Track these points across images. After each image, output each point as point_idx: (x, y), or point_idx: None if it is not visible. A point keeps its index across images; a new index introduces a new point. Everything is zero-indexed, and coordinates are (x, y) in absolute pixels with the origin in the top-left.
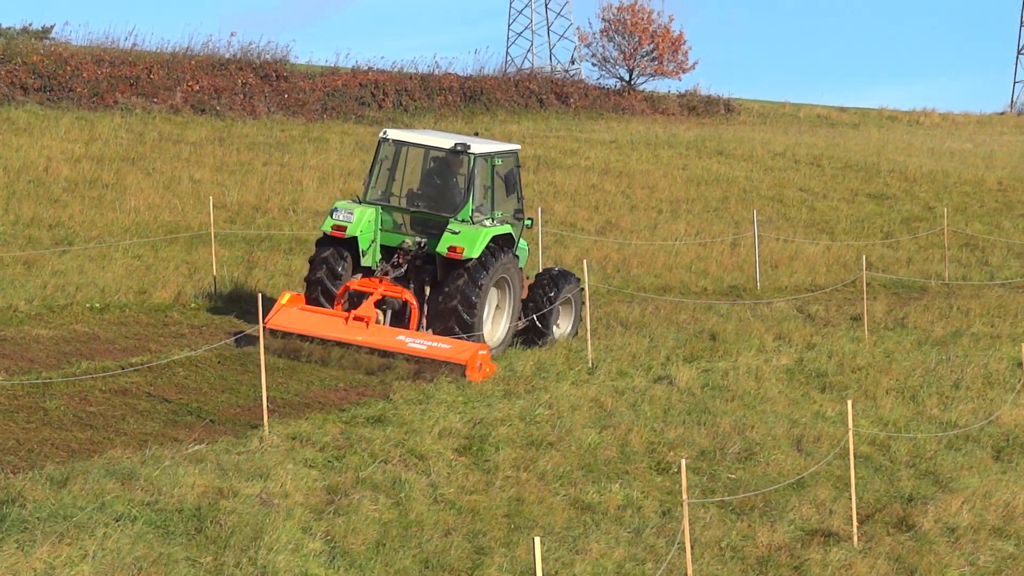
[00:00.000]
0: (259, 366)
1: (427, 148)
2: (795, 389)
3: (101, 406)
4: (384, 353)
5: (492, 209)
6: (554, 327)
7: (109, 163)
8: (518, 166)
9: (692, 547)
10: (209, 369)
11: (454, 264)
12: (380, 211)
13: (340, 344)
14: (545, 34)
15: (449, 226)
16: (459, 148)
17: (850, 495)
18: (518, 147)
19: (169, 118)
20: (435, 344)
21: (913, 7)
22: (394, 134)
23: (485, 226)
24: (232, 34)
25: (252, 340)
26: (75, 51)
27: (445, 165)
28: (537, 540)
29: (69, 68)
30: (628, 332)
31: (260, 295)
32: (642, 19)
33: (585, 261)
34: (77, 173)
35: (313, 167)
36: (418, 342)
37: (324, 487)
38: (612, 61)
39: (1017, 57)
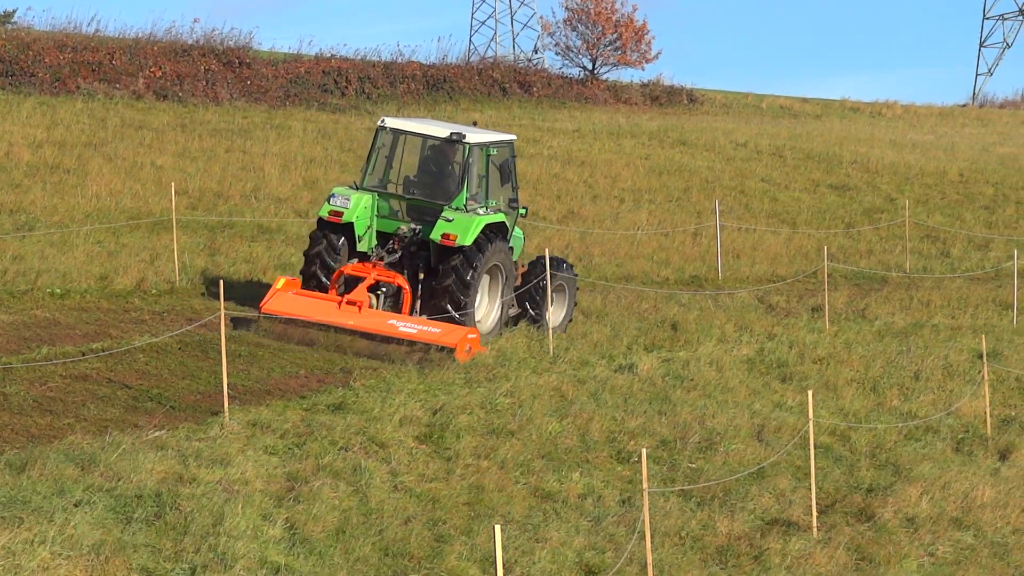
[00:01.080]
0: (220, 352)
1: (423, 137)
2: (756, 379)
3: (61, 392)
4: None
5: (487, 198)
6: (547, 314)
7: (71, 148)
8: (513, 156)
9: (652, 536)
10: (170, 355)
11: (448, 251)
12: (377, 198)
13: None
14: (508, 23)
15: (443, 214)
16: (455, 137)
17: (810, 485)
18: (514, 137)
19: (131, 104)
20: (425, 328)
21: None
22: (392, 122)
23: (479, 214)
24: (195, 20)
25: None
26: (37, 36)
27: (441, 154)
28: (497, 528)
29: (31, 53)
30: (589, 321)
31: (222, 281)
32: (605, 8)
33: (547, 250)
34: (38, 158)
35: (275, 154)
36: (409, 326)
37: (284, 474)
38: (575, 50)
39: (980, 49)
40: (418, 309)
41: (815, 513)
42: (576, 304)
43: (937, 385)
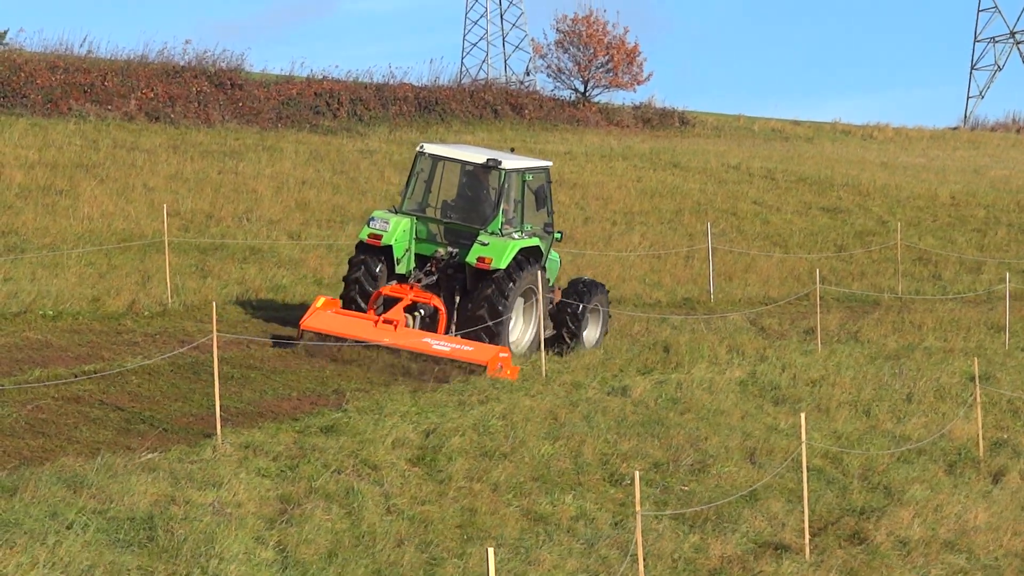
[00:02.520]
0: (212, 375)
1: (461, 162)
2: (748, 401)
3: (53, 414)
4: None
5: (522, 222)
6: (584, 333)
7: (63, 170)
8: (549, 182)
9: (645, 559)
10: (162, 377)
11: (483, 274)
12: (415, 221)
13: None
14: (500, 45)
15: (479, 238)
16: (491, 163)
17: (803, 508)
18: (550, 163)
19: (123, 125)
20: (458, 346)
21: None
22: (430, 148)
23: (514, 239)
24: (187, 42)
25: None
26: (29, 57)
27: (477, 179)
28: (490, 551)
29: (23, 74)
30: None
31: (214, 304)
32: (597, 31)
33: (539, 272)
34: (30, 180)
35: (267, 176)
36: (442, 344)
37: (277, 496)
38: (567, 72)
39: (971, 72)
40: (454, 330)
41: (808, 536)
42: (609, 320)
43: (929, 408)
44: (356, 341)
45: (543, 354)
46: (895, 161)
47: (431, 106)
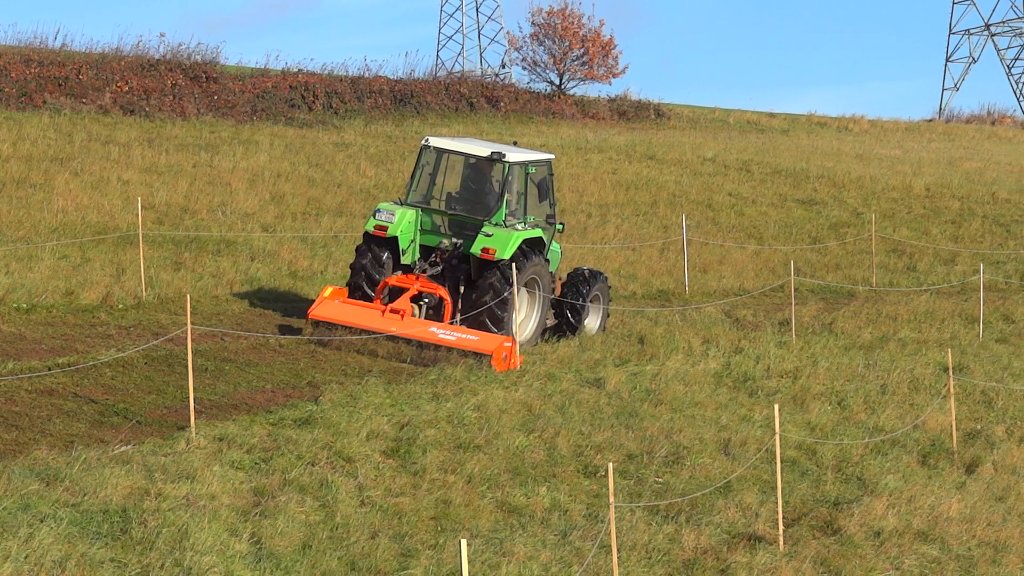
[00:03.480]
0: (186, 367)
1: (465, 155)
2: (723, 393)
3: (27, 406)
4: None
5: (525, 214)
6: (584, 322)
7: (37, 163)
8: (551, 174)
9: (618, 550)
10: (136, 370)
11: (487, 264)
12: (420, 213)
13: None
14: (476, 38)
15: (483, 229)
16: (495, 156)
17: (776, 499)
18: (552, 156)
19: (98, 119)
20: (464, 335)
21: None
22: (435, 141)
23: (517, 230)
24: (162, 35)
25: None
26: (3, 50)
27: (482, 171)
28: (463, 542)
29: None
30: (556, 335)
31: (188, 296)
32: (572, 23)
33: (514, 264)
34: (4, 173)
35: (243, 169)
36: (448, 333)
37: (251, 489)
38: (542, 65)
39: (946, 64)
40: (458, 319)
41: (781, 527)
42: (609, 308)
43: (903, 399)
44: (364, 331)
45: (517, 346)
46: (870, 153)
47: (406, 99)
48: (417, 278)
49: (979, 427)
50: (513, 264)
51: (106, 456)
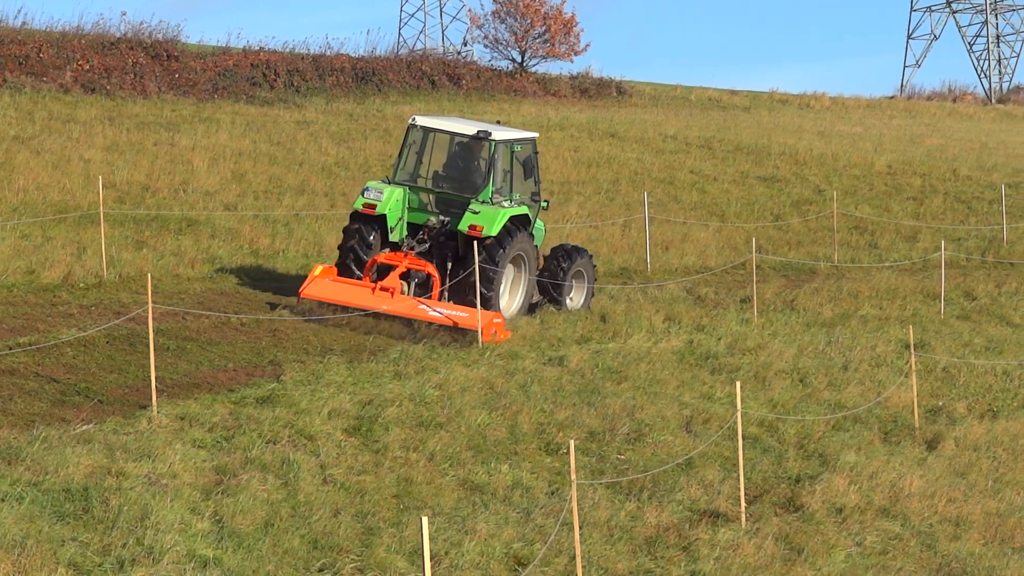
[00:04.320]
0: (147, 346)
1: (452, 134)
2: (685, 371)
3: None
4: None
5: (511, 191)
6: (568, 298)
7: None
8: (536, 152)
9: (580, 527)
10: (98, 349)
11: (474, 241)
12: (407, 191)
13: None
14: (437, 15)
15: (470, 206)
16: (481, 135)
17: (738, 476)
18: (536, 135)
19: (59, 97)
20: (452, 312)
21: None
22: (422, 120)
23: (503, 207)
24: (123, 13)
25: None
26: None
27: (468, 150)
28: (425, 520)
29: None
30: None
31: (149, 275)
32: (534, 1)
33: (476, 243)
34: None
35: (204, 147)
36: (437, 310)
37: (213, 467)
38: (504, 43)
39: (907, 41)
40: (446, 295)
41: (743, 504)
42: (595, 284)
43: (865, 376)
44: (356, 309)
45: (479, 325)
46: (832, 130)
47: (368, 77)
48: (405, 255)
49: (940, 404)
50: (499, 242)
51: (67, 435)
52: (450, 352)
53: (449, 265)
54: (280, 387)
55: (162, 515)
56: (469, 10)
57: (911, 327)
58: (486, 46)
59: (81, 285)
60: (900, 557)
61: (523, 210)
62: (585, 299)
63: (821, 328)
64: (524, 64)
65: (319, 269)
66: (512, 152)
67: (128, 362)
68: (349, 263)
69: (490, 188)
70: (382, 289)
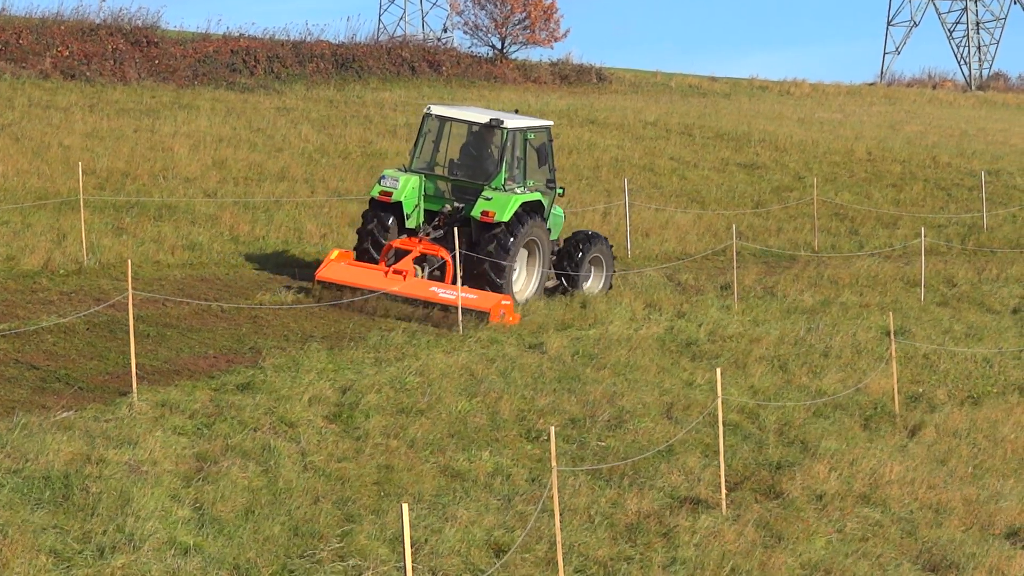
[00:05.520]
0: (128, 333)
1: (466, 123)
2: (665, 357)
3: None
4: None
5: (524, 178)
6: (584, 284)
7: None
8: (550, 140)
9: (561, 514)
10: (78, 336)
11: (487, 227)
12: (423, 179)
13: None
14: (418, 2)
15: (483, 193)
16: (494, 123)
17: (719, 463)
18: (551, 123)
19: (39, 84)
20: (463, 295)
21: None
22: (437, 110)
23: (516, 193)
24: None
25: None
26: None
27: (482, 138)
28: (405, 507)
29: None
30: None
31: (130, 262)
32: None
33: (456, 229)
34: None
35: (184, 134)
36: (448, 293)
37: (193, 454)
38: (484, 29)
39: (887, 28)
40: (460, 280)
41: (724, 490)
42: (614, 272)
43: (846, 363)
44: (369, 291)
45: (459, 311)
46: (812, 117)
47: (348, 63)
48: (420, 241)
49: (921, 390)
50: (509, 229)
51: (48, 422)
52: (430, 338)
53: (463, 250)
54: (260, 374)
55: (142, 502)
56: None
57: (891, 314)
58: (466, 32)
59: (61, 272)
60: (880, 543)
61: (536, 196)
62: (604, 284)
63: (801, 315)
64: (504, 51)
65: (335, 253)
66: (526, 139)
67: (108, 349)
68: (367, 247)
69: (502, 175)
70: (395, 272)
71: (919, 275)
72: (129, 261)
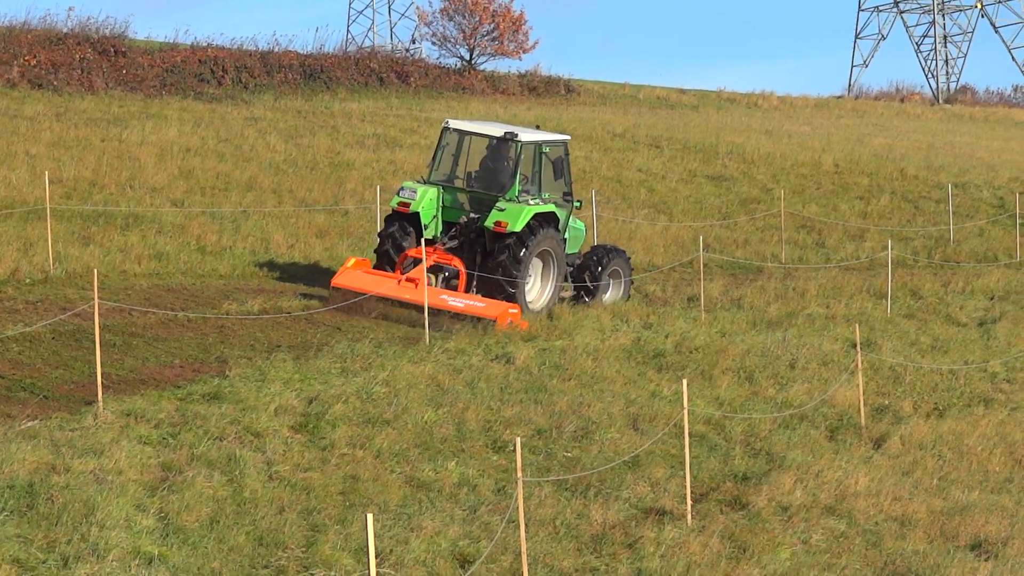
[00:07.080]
0: (94, 342)
1: (483, 136)
2: (632, 368)
3: None
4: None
5: (540, 191)
6: (604, 295)
7: None
8: (567, 154)
9: (527, 525)
10: (43, 345)
11: (500, 237)
12: (442, 190)
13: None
14: (386, 12)
15: (497, 204)
16: (508, 136)
17: (684, 474)
18: (567, 137)
19: (6, 93)
20: (471, 303)
21: None
22: (455, 124)
23: (529, 204)
24: (70, 8)
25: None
26: None
27: (497, 151)
28: (370, 517)
29: None
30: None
31: (96, 271)
32: None
33: (424, 240)
34: None
35: (151, 143)
36: (457, 300)
37: (158, 464)
38: (452, 40)
39: (855, 41)
40: (474, 289)
41: (689, 502)
42: (632, 283)
43: (812, 374)
44: (380, 297)
45: (426, 321)
46: (780, 129)
47: (316, 74)
48: (435, 250)
49: (887, 402)
50: (521, 240)
51: (12, 431)
52: (397, 349)
53: (478, 260)
54: (227, 383)
55: (107, 512)
56: (417, 7)
57: (857, 326)
58: (434, 43)
59: (27, 281)
60: (845, 555)
61: (549, 208)
62: (623, 294)
63: (768, 326)
64: (472, 62)
65: (352, 261)
66: (542, 153)
67: (74, 358)
68: (388, 250)
69: (516, 187)
70: (408, 280)
71: (885, 287)
72: (95, 270)
